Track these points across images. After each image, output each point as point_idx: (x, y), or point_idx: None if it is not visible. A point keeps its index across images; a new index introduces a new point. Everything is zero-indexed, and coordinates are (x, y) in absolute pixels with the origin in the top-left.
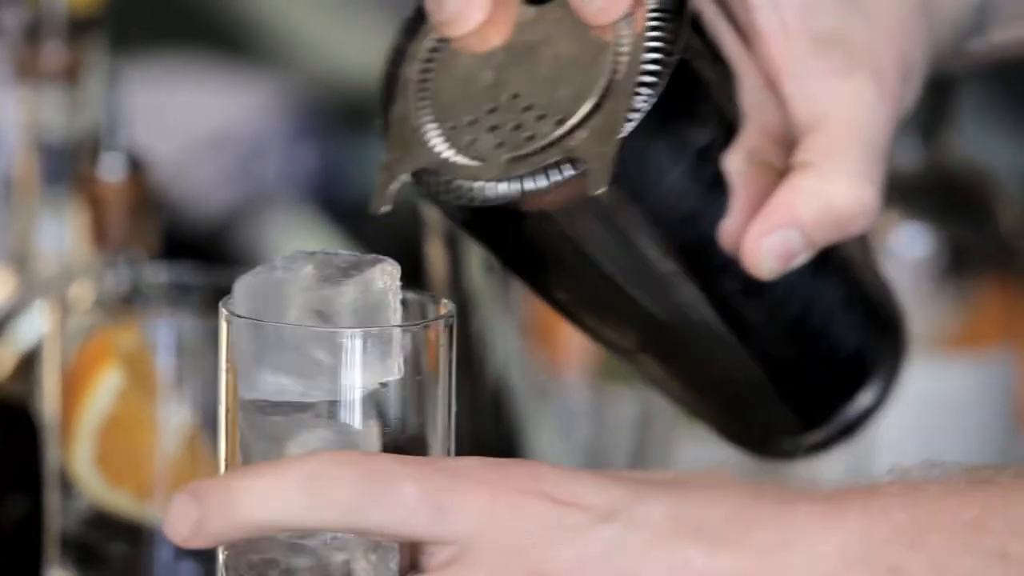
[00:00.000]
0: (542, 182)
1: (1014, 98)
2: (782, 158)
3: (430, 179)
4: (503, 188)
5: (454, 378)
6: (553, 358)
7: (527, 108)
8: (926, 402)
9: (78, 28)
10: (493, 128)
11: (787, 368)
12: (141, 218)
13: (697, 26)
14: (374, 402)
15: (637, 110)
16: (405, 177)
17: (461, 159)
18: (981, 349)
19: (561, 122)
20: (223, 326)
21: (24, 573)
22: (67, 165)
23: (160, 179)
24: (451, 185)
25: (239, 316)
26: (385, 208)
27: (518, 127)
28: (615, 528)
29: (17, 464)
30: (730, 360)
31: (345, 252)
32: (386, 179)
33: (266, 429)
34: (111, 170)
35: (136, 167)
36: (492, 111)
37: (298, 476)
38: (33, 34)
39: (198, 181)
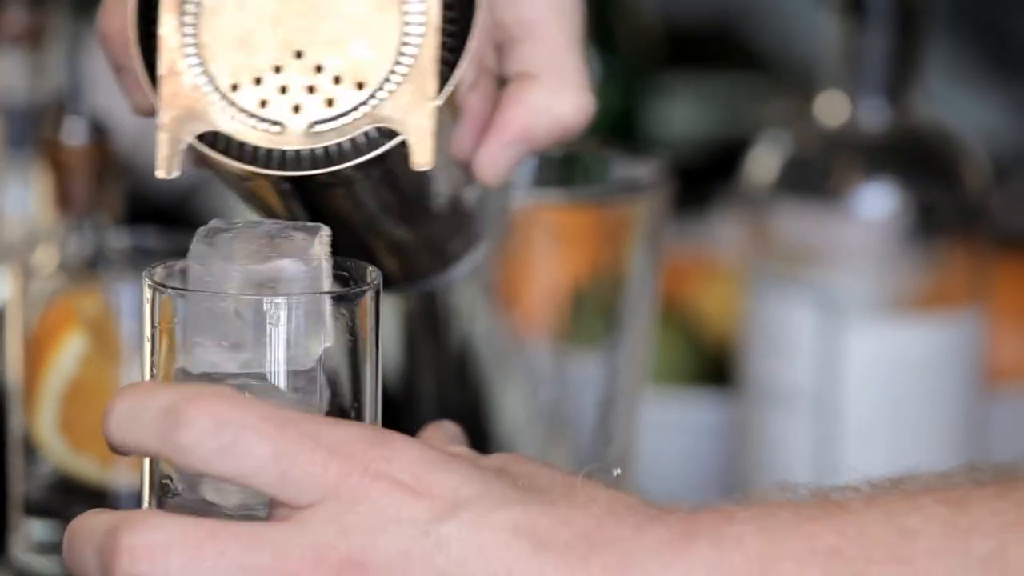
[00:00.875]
0: (359, 153)
1: (981, 58)
2: (495, 60)
3: (220, 142)
4: (314, 157)
5: (381, 344)
6: (518, 320)
7: (318, 68)
8: (892, 363)
9: None
10: (283, 89)
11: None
12: (105, 183)
13: None
14: (305, 369)
15: (449, 75)
16: (190, 139)
17: (255, 123)
18: (947, 310)
19: (361, 86)
20: (147, 296)
21: None
22: (30, 129)
23: (124, 144)
24: (246, 150)
25: (165, 287)
26: (175, 174)
27: (312, 89)
28: (453, 526)
29: None
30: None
31: (275, 221)
32: (170, 142)
33: None
34: (75, 134)
35: (100, 132)
36: (278, 70)
37: (157, 408)
38: None
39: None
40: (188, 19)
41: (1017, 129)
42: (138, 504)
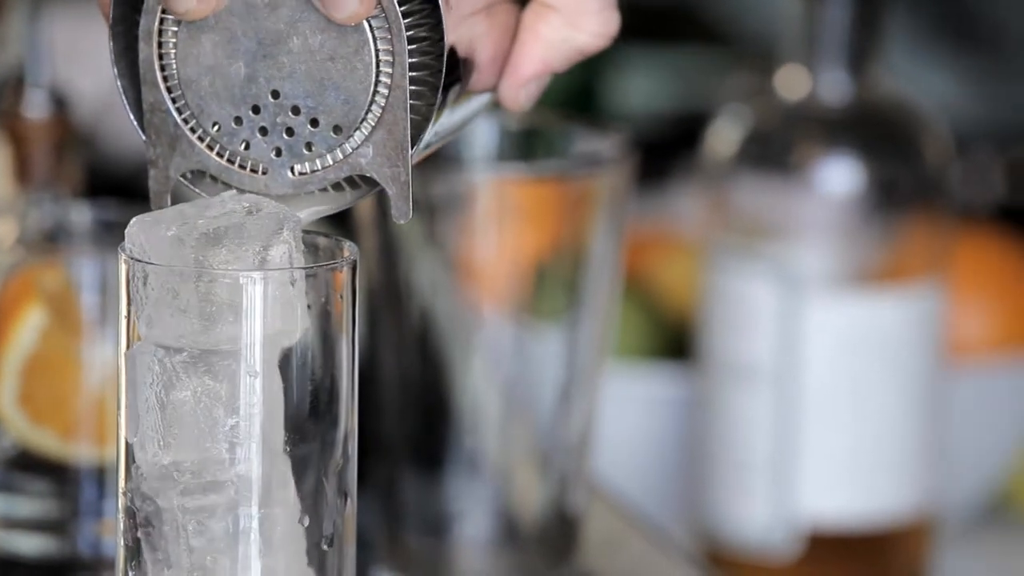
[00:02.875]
0: (338, 202)
1: (941, 32)
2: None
3: (206, 183)
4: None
5: (358, 319)
6: (479, 295)
7: (295, 110)
8: (852, 337)
9: None
10: (263, 131)
11: None
12: (65, 155)
13: None
14: (278, 344)
15: (423, 125)
16: (178, 176)
17: (239, 167)
18: (907, 284)
19: (338, 130)
20: (122, 270)
21: None
22: None
23: (84, 116)
24: (232, 186)
25: (140, 260)
26: (165, 206)
27: (291, 132)
28: None
29: None
30: None
31: (251, 196)
32: (161, 178)
33: (169, 372)
34: (34, 107)
35: (60, 104)
36: (255, 110)
37: None
38: None
39: (123, 118)
40: (166, 51)
41: (976, 102)
42: (98, 479)
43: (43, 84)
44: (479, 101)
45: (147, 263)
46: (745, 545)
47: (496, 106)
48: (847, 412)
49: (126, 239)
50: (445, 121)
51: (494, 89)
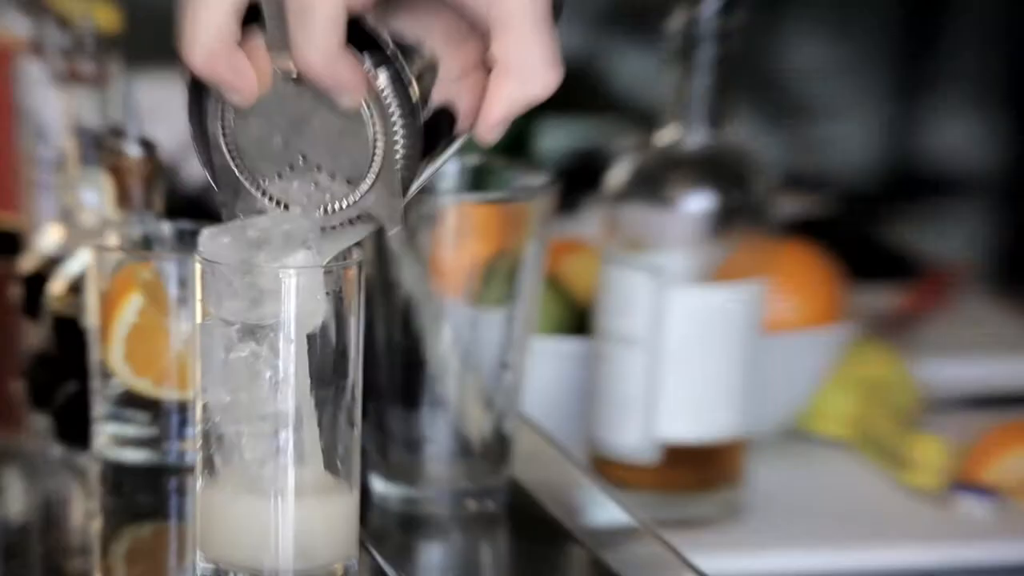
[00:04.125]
0: (359, 233)
1: (765, 103)
2: (482, 50)
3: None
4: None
5: (363, 303)
6: (444, 287)
7: (318, 168)
8: (701, 316)
9: (103, 46)
10: (297, 184)
11: None
12: (153, 186)
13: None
14: (305, 321)
15: (413, 177)
16: (239, 212)
17: (283, 207)
18: (740, 280)
19: (350, 181)
20: (196, 267)
21: (76, 435)
22: (99, 148)
23: (165, 158)
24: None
25: (208, 260)
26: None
27: (316, 184)
28: None
29: (71, 359)
30: None
31: (286, 215)
32: (229, 215)
33: (229, 339)
34: (130, 150)
35: (149, 149)
36: (292, 169)
37: None
38: (70, 51)
39: (193, 161)
40: (227, 126)
41: (783, 151)
42: (181, 416)
43: (135, 134)
44: (460, 140)
45: (213, 262)
46: (623, 456)
47: (472, 141)
48: (694, 367)
49: (198, 245)
50: (433, 168)
51: (471, 130)
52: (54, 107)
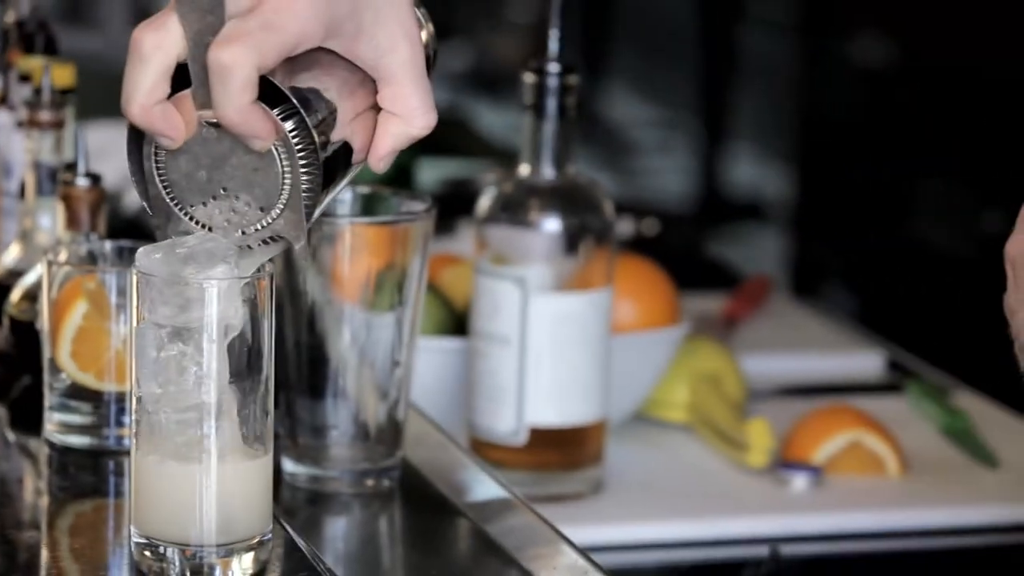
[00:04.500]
0: (270, 252)
1: (600, 147)
2: (371, 94)
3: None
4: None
5: (274, 309)
6: (343, 294)
7: (236, 197)
8: (558, 319)
9: (59, 98)
10: (219, 211)
11: None
12: (97, 212)
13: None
14: (225, 325)
15: (315, 205)
16: (172, 234)
17: (207, 230)
18: (590, 289)
19: (263, 209)
20: (133, 279)
21: (30, 423)
22: (53, 181)
23: (108, 189)
24: None
25: (144, 272)
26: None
27: (235, 211)
28: None
29: (26, 357)
30: None
31: (208, 235)
32: (162, 236)
33: (160, 340)
34: (80, 182)
35: (95, 181)
36: (215, 198)
37: None
38: (32, 102)
39: (132, 193)
40: (160, 164)
41: (613, 183)
42: (119, 406)
43: (84, 169)
44: (355, 169)
45: (148, 274)
46: (498, 440)
47: (364, 172)
48: (556, 362)
49: (136, 260)
50: (332, 194)
51: (364, 161)
52: (18, 148)
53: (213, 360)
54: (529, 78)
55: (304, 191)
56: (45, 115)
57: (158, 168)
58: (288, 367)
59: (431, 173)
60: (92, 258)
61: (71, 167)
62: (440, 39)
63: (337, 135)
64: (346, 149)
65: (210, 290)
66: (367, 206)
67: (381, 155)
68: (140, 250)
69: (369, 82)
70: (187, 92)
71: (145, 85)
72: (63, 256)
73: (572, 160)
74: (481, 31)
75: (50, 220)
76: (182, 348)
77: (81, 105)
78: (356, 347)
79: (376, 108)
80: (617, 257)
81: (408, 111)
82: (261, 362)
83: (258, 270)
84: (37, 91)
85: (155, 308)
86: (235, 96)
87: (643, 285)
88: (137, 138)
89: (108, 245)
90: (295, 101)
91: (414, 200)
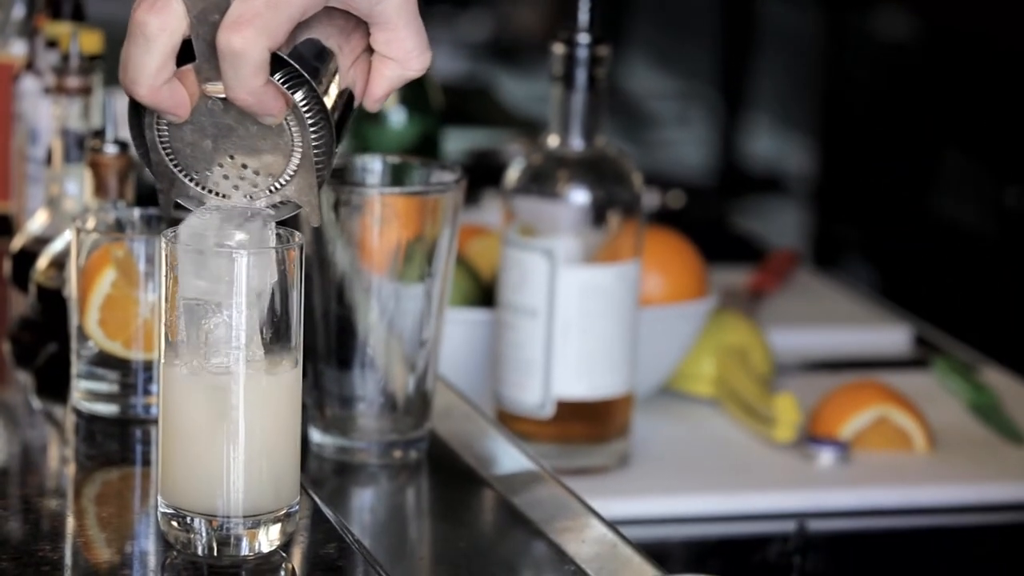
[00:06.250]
0: (280, 214)
1: (624, 119)
2: (366, 38)
3: (191, 203)
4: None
5: (303, 279)
6: (372, 265)
7: (244, 166)
8: (586, 292)
9: (86, 64)
10: (226, 177)
11: None
12: (125, 179)
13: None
14: (258, 294)
15: (322, 169)
16: (177, 199)
17: (210, 195)
18: (619, 262)
19: (272, 176)
20: (162, 248)
21: (56, 391)
22: (81, 147)
23: (135, 155)
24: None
25: (174, 242)
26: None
27: (243, 178)
28: None
29: (52, 324)
30: None
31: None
32: (165, 201)
33: (192, 312)
34: (108, 149)
35: (123, 148)
36: (221, 166)
37: None
38: (60, 68)
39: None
40: (162, 132)
41: (636, 155)
42: (146, 374)
43: (112, 136)
44: (352, 114)
45: (176, 244)
46: (525, 412)
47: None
48: (584, 334)
49: (165, 231)
50: (337, 152)
51: (361, 104)
52: (45, 114)
53: (244, 328)
54: (559, 49)
55: (316, 157)
56: (73, 81)
57: (161, 138)
58: (316, 337)
59: (454, 143)
60: (120, 226)
61: (99, 134)
62: (459, 8)
63: (340, 84)
64: (350, 97)
65: (240, 259)
66: (396, 176)
67: (377, 97)
68: (170, 227)
69: (363, 25)
70: (190, 67)
71: (152, 67)
72: (91, 223)
73: (601, 132)
74: (500, 0)
75: (77, 187)
76: (217, 315)
77: (109, 71)
78: (384, 318)
79: (369, 50)
80: (645, 229)
81: (404, 54)
82: (290, 330)
83: (289, 241)
84: (65, 57)
85: (183, 277)
86: (248, 80)
87: (671, 258)
88: (137, 107)
89: (136, 212)
90: (303, 72)
91: (444, 170)
